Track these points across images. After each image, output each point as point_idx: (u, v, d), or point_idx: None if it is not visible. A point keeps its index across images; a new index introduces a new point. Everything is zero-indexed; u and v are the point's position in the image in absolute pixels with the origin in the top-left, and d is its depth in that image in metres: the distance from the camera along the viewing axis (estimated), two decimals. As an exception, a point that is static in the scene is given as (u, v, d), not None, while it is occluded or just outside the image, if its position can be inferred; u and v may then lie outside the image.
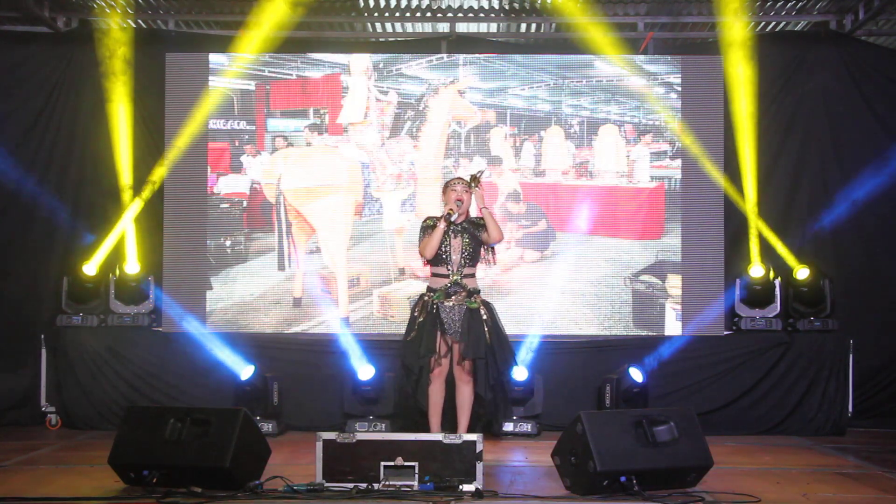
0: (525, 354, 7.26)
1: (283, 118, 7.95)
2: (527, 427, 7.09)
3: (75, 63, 7.88)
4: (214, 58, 7.91)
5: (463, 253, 5.71)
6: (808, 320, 7.51)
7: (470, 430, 5.72)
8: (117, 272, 7.59)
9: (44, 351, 7.48)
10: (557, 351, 7.51)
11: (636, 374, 7.12)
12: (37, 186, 7.81)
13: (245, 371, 7.16)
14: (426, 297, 5.77)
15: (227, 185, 7.93)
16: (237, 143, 7.94)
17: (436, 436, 4.85)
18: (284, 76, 7.97)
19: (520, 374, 7.15)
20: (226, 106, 7.91)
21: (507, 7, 8.03)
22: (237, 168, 7.93)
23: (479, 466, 4.73)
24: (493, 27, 8.46)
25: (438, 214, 5.74)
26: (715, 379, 7.44)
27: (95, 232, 7.72)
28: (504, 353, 5.80)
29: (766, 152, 7.77)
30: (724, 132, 7.73)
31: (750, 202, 7.59)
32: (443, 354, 5.70)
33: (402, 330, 7.43)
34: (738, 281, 7.63)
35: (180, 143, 7.74)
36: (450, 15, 8.15)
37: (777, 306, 7.58)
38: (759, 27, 8.26)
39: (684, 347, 7.49)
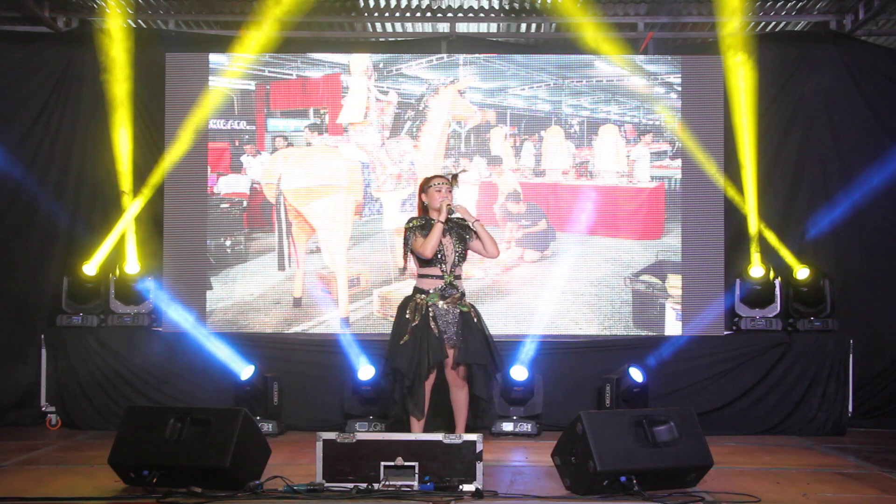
0: (525, 354, 7.26)
1: (284, 118, 7.96)
2: (527, 427, 7.09)
3: (75, 63, 7.88)
4: (214, 58, 7.91)
5: (456, 252, 5.60)
6: (808, 320, 7.51)
7: (468, 430, 5.65)
8: (117, 272, 7.59)
9: (44, 351, 7.48)
10: (557, 351, 7.51)
11: (636, 374, 7.12)
12: (37, 186, 7.81)
13: (245, 371, 7.16)
14: (418, 300, 5.60)
15: (227, 185, 7.93)
16: (237, 143, 7.95)
17: (436, 436, 4.84)
18: (284, 76, 7.97)
19: (520, 374, 7.16)
20: (226, 106, 7.92)
21: (507, 7, 8.03)
22: (237, 168, 7.94)
23: (479, 466, 4.72)
24: (493, 27, 8.46)
25: (416, 215, 5.69)
26: (715, 379, 7.44)
27: (95, 232, 7.72)
28: (497, 357, 5.70)
29: (766, 152, 7.77)
30: (724, 132, 7.73)
31: (750, 202, 7.59)
32: (434, 365, 5.54)
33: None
34: (738, 281, 7.63)
35: (180, 142, 7.74)
36: (450, 15, 8.15)
37: (777, 306, 7.58)
38: (759, 27, 8.26)
39: (684, 347, 7.48)
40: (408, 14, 8.15)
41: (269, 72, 7.95)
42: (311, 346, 7.67)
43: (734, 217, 7.72)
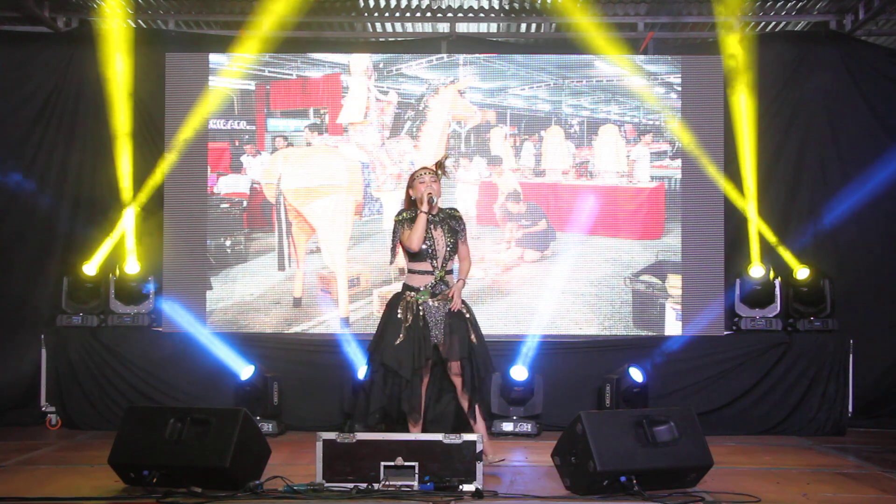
0: (525, 354, 7.26)
1: (284, 118, 7.96)
2: (527, 427, 7.09)
3: (75, 63, 7.88)
4: (214, 58, 7.91)
5: (447, 245, 5.43)
6: (808, 320, 7.52)
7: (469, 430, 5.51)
8: (117, 272, 7.59)
9: (44, 351, 7.48)
10: (557, 351, 7.51)
11: (636, 374, 7.12)
12: (37, 186, 7.81)
13: (245, 371, 7.16)
14: (408, 297, 5.43)
15: (227, 185, 7.93)
16: (237, 143, 7.95)
17: (436, 436, 4.83)
18: (284, 76, 7.97)
19: (520, 374, 7.16)
20: (226, 106, 7.92)
21: (507, 7, 8.03)
22: (237, 168, 7.94)
23: (479, 466, 4.73)
24: (493, 27, 8.47)
25: (404, 208, 5.52)
26: (715, 379, 7.45)
27: (95, 232, 7.72)
28: (486, 355, 5.53)
29: (766, 152, 7.77)
30: (724, 132, 7.73)
31: (750, 202, 7.59)
32: (429, 363, 5.44)
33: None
34: (738, 281, 7.63)
35: (180, 143, 7.74)
36: (450, 15, 8.15)
37: (777, 306, 7.58)
38: (759, 27, 8.26)
39: (684, 347, 7.49)
40: (408, 14, 8.15)
41: (269, 72, 7.95)
42: (311, 346, 7.67)
43: (734, 217, 7.73)
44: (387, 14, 8.15)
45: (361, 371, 7.10)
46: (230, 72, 7.87)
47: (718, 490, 4.86)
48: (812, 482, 5.28)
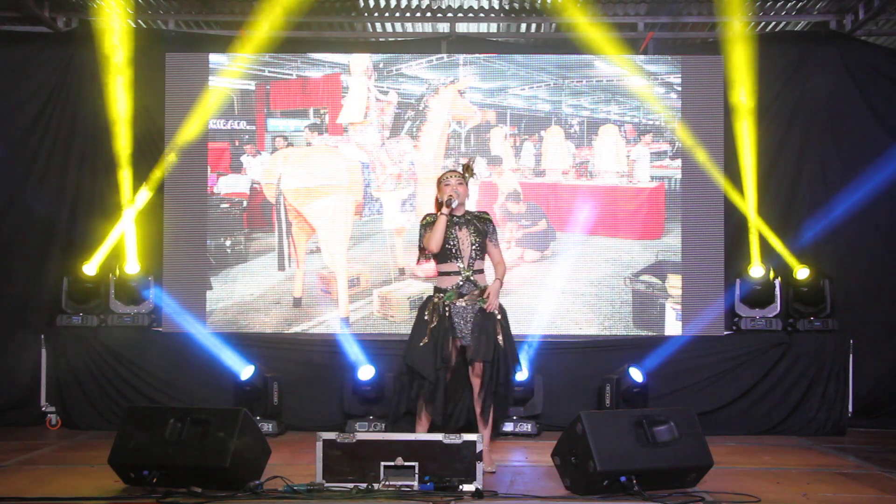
0: (525, 354, 7.26)
1: (283, 118, 7.96)
2: (527, 427, 7.09)
3: (75, 63, 7.88)
4: (214, 57, 7.91)
5: (473, 245, 5.41)
6: (808, 320, 7.52)
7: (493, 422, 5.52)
8: (117, 272, 7.59)
9: (44, 351, 7.48)
10: (557, 351, 7.51)
11: (636, 374, 7.13)
12: (37, 186, 7.82)
13: (245, 371, 7.16)
14: (436, 299, 5.43)
15: (227, 185, 7.93)
16: (237, 143, 7.94)
17: (436, 436, 4.84)
18: (284, 76, 7.97)
19: (520, 374, 7.15)
20: (226, 106, 7.91)
21: (507, 7, 8.03)
22: (237, 168, 7.94)
23: (479, 466, 4.73)
24: (493, 27, 8.46)
25: (433, 212, 5.54)
26: (715, 379, 7.45)
27: (95, 232, 7.72)
28: (513, 357, 5.51)
29: (766, 152, 7.77)
30: (724, 132, 7.73)
31: (750, 202, 7.59)
32: (453, 365, 5.42)
33: (403, 330, 7.52)
34: (738, 281, 7.63)
35: (180, 142, 7.74)
36: (450, 15, 8.16)
37: (777, 306, 7.59)
38: (759, 27, 8.26)
39: (684, 347, 7.49)
40: (408, 14, 8.15)
41: (269, 72, 7.95)
42: (311, 346, 7.67)
43: (734, 217, 7.73)
44: (387, 14, 8.15)
45: (362, 371, 7.11)
46: (230, 72, 7.87)
47: (718, 490, 4.86)
48: (812, 482, 5.28)
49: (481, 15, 8.17)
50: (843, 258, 7.83)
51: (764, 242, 7.62)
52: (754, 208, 7.60)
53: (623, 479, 4.63)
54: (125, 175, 7.60)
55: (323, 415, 7.27)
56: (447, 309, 5.40)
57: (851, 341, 7.48)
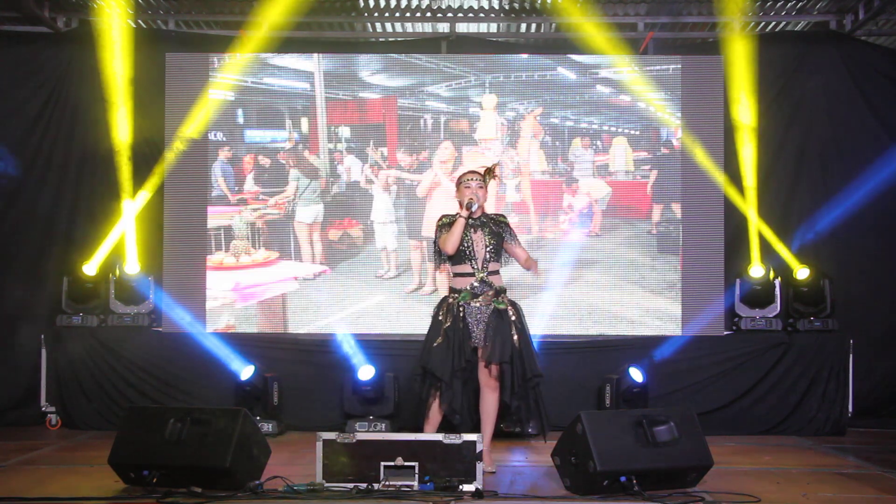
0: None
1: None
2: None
3: (75, 63, 7.87)
4: (214, 58, 7.89)
5: (487, 247, 5.41)
6: (808, 320, 7.52)
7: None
8: (117, 272, 7.59)
9: (44, 351, 7.48)
10: (557, 351, 7.49)
11: (636, 374, 7.13)
12: (36, 186, 7.81)
13: (245, 371, 7.16)
14: (450, 300, 5.43)
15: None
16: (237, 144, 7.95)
17: (436, 436, 4.84)
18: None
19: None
20: (226, 107, 7.89)
21: (507, 7, 8.03)
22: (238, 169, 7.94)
23: (479, 466, 4.73)
24: (493, 27, 8.46)
25: (453, 212, 5.51)
26: (715, 379, 7.44)
27: (95, 232, 7.71)
28: (531, 357, 5.43)
29: (766, 152, 7.77)
30: (724, 132, 7.73)
31: (750, 202, 7.59)
32: (465, 366, 5.38)
33: (403, 330, 7.54)
34: (738, 281, 7.63)
35: (180, 142, 7.74)
36: (450, 15, 8.16)
37: (777, 306, 7.59)
38: (759, 27, 8.26)
39: (684, 347, 7.49)
40: (408, 14, 8.15)
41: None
42: (311, 346, 7.66)
43: (734, 217, 7.72)
44: (387, 14, 8.15)
45: (362, 371, 7.11)
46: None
47: (718, 490, 4.87)
48: (812, 482, 5.28)
49: (481, 15, 8.17)
50: (843, 258, 7.82)
51: (764, 242, 7.62)
52: (754, 208, 7.60)
53: (623, 479, 4.63)
54: (125, 175, 7.60)
55: (323, 415, 7.26)
56: (461, 309, 5.39)
57: (851, 341, 7.48)
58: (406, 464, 4.71)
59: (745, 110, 7.53)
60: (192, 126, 7.73)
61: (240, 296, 7.81)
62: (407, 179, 7.84)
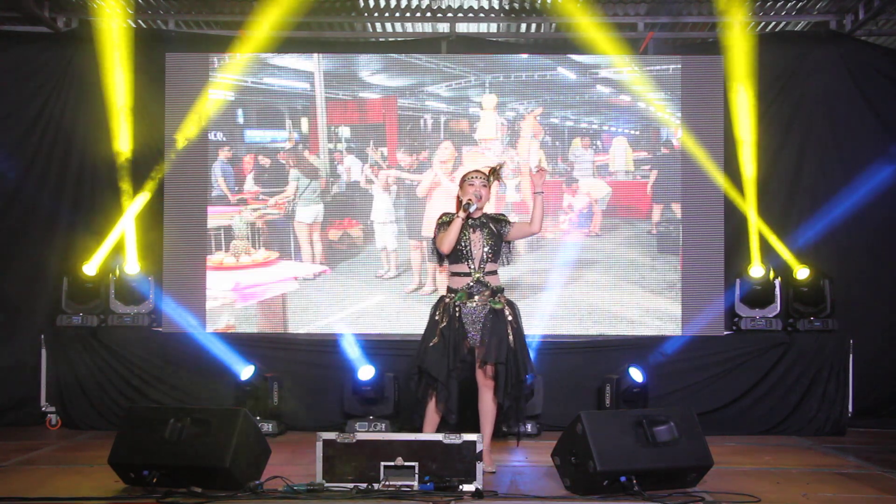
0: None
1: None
2: (527, 427, 7.08)
3: (75, 63, 7.87)
4: (214, 58, 7.89)
5: (484, 248, 5.40)
6: (808, 320, 7.52)
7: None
8: (117, 272, 7.59)
9: (44, 351, 7.48)
10: (557, 351, 7.50)
11: (636, 374, 7.13)
12: (36, 186, 7.81)
13: (245, 371, 7.16)
14: (447, 300, 5.43)
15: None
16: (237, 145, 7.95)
17: (436, 436, 4.84)
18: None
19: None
20: (225, 107, 7.89)
21: (507, 7, 8.03)
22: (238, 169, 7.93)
23: (479, 466, 4.73)
24: (493, 27, 8.46)
25: (454, 210, 5.49)
26: (715, 379, 7.45)
27: (95, 232, 7.71)
28: (525, 358, 5.45)
29: (766, 152, 7.76)
30: (724, 132, 7.73)
31: (750, 202, 7.59)
32: (460, 366, 5.38)
33: (402, 330, 7.54)
34: (738, 281, 7.63)
35: (180, 142, 7.74)
36: (450, 15, 8.16)
37: (777, 306, 7.59)
38: (759, 27, 8.26)
39: (684, 347, 7.49)
40: (408, 14, 8.15)
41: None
42: (311, 346, 7.66)
43: (734, 217, 7.72)
44: (387, 14, 8.15)
45: (362, 371, 7.11)
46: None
47: (718, 490, 4.87)
48: (812, 482, 5.28)
49: (481, 15, 8.17)
50: (843, 258, 7.82)
51: (764, 242, 7.62)
52: (754, 208, 7.60)
53: (623, 479, 4.63)
54: (125, 175, 7.60)
55: (323, 415, 7.27)
56: (457, 309, 5.39)
57: (851, 341, 7.48)
58: (406, 464, 4.72)
59: (744, 110, 7.53)
60: (192, 126, 7.73)
61: (240, 296, 7.81)
62: (407, 179, 7.85)
